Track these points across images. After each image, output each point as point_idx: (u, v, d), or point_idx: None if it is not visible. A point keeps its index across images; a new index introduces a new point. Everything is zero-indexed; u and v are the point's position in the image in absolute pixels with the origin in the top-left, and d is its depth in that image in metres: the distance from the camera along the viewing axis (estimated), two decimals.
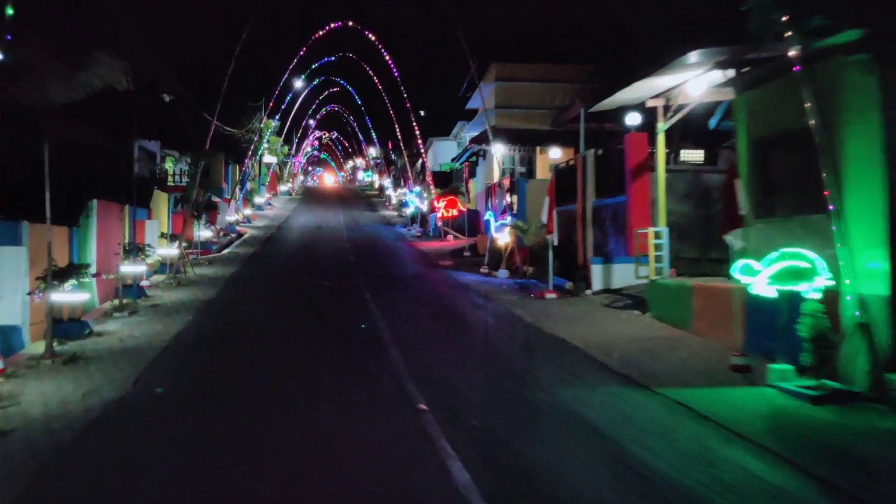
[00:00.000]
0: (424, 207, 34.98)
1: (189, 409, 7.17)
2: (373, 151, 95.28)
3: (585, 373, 8.72)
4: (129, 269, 14.13)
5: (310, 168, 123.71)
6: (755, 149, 9.54)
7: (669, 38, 18.72)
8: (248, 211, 37.35)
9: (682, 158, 16.18)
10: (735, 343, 9.14)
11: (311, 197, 60.21)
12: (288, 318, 12.39)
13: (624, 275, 15.03)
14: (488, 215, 19.52)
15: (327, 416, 6.79)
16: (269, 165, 54.29)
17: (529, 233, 17.94)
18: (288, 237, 29.92)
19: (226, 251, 24.52)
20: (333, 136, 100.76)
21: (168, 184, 29.19)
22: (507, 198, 20.79)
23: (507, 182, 25.26)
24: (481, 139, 28.84)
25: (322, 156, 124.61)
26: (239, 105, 39.36)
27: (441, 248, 26.04)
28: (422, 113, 71.53)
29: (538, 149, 28.90)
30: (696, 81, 11.12)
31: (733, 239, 9.35)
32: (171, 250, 18.12)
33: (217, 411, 7.04)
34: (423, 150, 32.97)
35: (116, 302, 13.07)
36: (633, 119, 15.62)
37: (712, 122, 14.72)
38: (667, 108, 12.58)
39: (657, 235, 12.67)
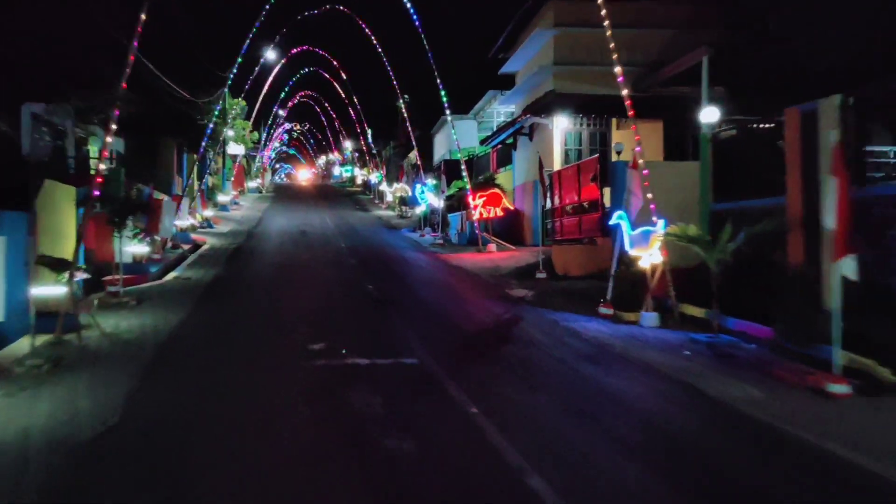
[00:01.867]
0: (441, 205, 26.79)
1: None
2: (349, 144, 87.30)
3: None
4: None
5: (278, 165, 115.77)
6: None
7: None
8: (208, 212, 28.67)
9: None
10: None
11: (286, 194, 51.52)
12: None
13: None
14: (617, 217, 11.48)
15: None
16: (234, 158, 45.50)
17: (718, 248, 9.82)
18: (264, 249, 21.41)
19: (171, 275, 15.96)
20: (305, 128, 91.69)
21: (92, 173, 20.46)
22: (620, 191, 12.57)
23: (591, 165, 17.20)
24: (539, 108, 20.67)
25: (290, 151, 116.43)
26: (197, 72, 30.67)
27: (491, 265, 17.80)
28: (405, 97, 63.53)
29: (614, 121, 20.86)
30: None
31: None
32: (52, 289, 9.65)
33: None
34: (452, 129, 24.54)
35: None
36: None
37: None
38: None
39: None
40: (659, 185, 14.76)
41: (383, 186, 41.44)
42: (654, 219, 11.22)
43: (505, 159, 26.88)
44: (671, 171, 14.39)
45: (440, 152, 33.45)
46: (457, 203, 25.19)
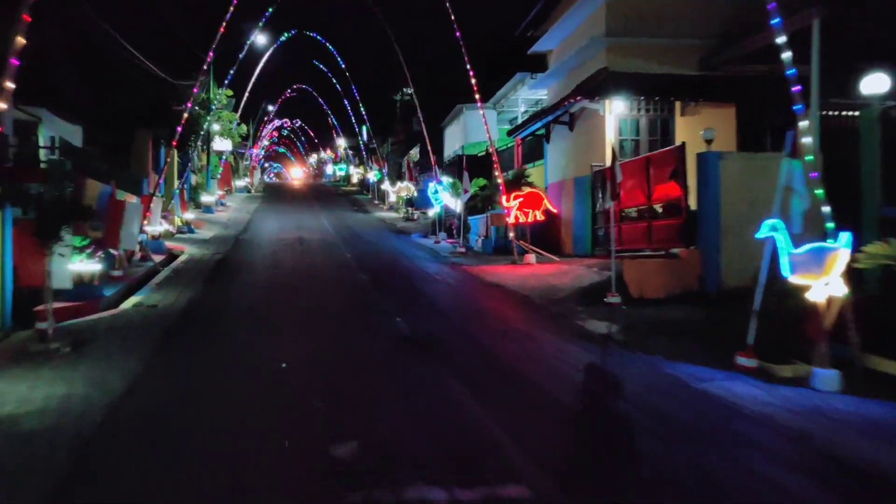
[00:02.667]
0: (459, 207, 23.22)
1: None
2: (342, 142, 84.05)
3: None
4: None
5: (267, 164, 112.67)
6: None
7: None
8: (188, 215, 24.92)
9: None
10: None
11: (277, 194, 47.82)
12: None
13: None
14: (768, 228, 7.90)
15: None
16: (220, 154, 41.71)
17: None
18: (254, 260, 17.73)
19: (132, 301, 12.20)
20: (296, 125, 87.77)
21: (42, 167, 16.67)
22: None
23: (669, 158, 13.66)
24: (587, 90, 17.06)
25: (280, 150, 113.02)
26: (177, 56, 27.05)
27: (542, 285, 14.15)
28: (407, 91, 60.06)
29: (678, 106, 17.32)
30: None
31: None
32: None
33: None
34: (481, 113, 20.62)
35: None
36: None
37: None
38: None
39: None
40: (752, 184, 11.35)
41: (385, 186, 37.73)
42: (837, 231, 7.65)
43: (533, 154, 23.32)
44: (771, 165, 10.87)
45: (453, 147, 29.88)
46: (480, 204, 21.58)
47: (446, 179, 23.80)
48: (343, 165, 70.40)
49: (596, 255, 16.87)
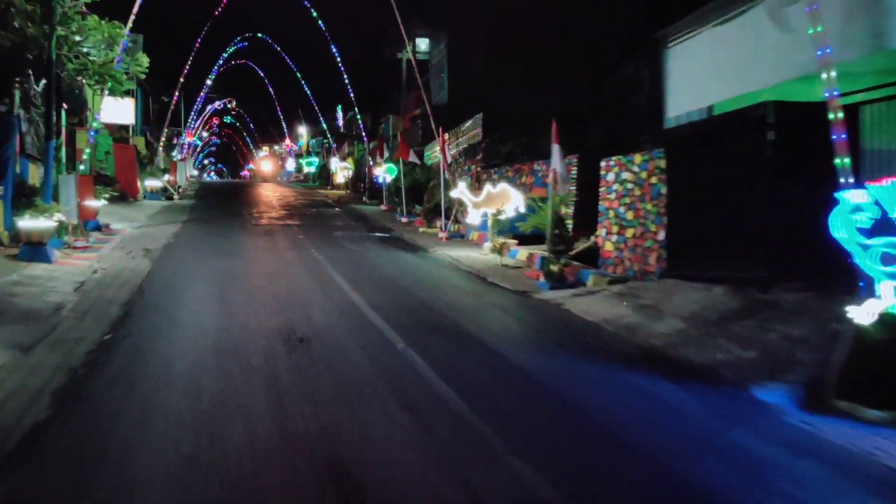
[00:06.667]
0: None
1: None
2: (302, 130, 64.56)
3: None
4: None
5: (206, 161, 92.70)
6: None
7: None
8: None
9: None
10: None
11: (219, 203, 27.86)
12: None
13: None
14: None
15: None
16: (103, 128, 21.73)
17: None
18: None
19: None
20: (241, 106, 67.15)
21: None
22: None
23: None
24: None
25: (218, 141, 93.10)
26: None
27: None
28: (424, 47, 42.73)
29: None
30: None
31: None
32: None
33: None
34: None
35: None
36: None
37: None
38: None
39: None
40: None
41: (457, 192, 17.90)
42: None
43: None
44: None
45: (728, 88, 9.79)
46: None
47: None
48: (313, 159, 50.60)
49: None
